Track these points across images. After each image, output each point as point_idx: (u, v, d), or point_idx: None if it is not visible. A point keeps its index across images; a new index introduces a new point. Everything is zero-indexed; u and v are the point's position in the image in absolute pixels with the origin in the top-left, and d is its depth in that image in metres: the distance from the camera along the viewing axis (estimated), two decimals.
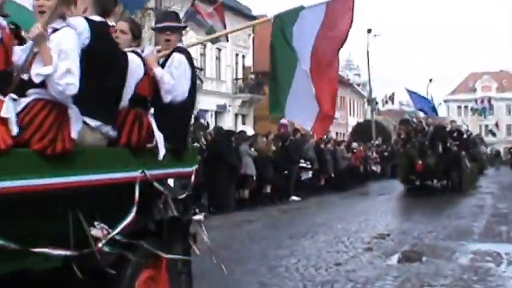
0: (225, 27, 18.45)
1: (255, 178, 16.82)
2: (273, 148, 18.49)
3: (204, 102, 34.44)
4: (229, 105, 38.59)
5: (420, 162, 19.70)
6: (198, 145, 15.91)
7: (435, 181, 22.09)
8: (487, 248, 9.73)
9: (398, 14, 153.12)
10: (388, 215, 14.74)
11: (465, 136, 31.40)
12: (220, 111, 37.67)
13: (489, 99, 34.74)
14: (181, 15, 20.49)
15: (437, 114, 26.35)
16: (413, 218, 13.59)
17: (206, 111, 35.41)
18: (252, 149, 17.08)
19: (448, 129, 22.93)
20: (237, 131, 19.60)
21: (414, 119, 24.28)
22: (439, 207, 16.11)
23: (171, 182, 12.49)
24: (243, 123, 38.69)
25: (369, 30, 42.75)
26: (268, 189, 17.74)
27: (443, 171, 20.62)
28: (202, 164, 15.60)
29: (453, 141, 21.60)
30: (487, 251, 9.56)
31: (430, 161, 19.82)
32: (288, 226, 12.57)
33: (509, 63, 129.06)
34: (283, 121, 23.38)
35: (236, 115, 39.57)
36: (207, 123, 26.75)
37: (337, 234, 11.23)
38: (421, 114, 24.09)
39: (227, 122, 35.58)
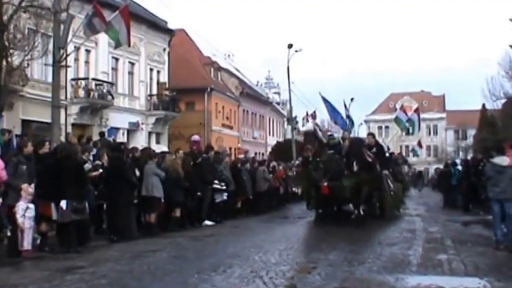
0: (129, 31, 17.10)
1: (163, 201, 15.18)
2: (182, 168, 16.81)
3: (115, 119, 34.03)
4: (143, 123, 37.33)
5: (325, 184, 16.59)
6: (100, 163, 14.39)
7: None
8: (429, 282, 8.55)
9: (324, 29, 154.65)
10: (311, 243, 13.40)
11: (387, 154, 30.88)
12: (132, 129, 36.33)
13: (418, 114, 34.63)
14: (82, 16, 19.35)
15: (352, 127, 24.42)
16: (340, 245, 12.21)
17: (117, 128, 34.48)
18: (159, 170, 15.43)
19: (366, 143, 19.99)
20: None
21: (323, 133, 22.95)
22: (367, 232, 14.97)
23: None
24: (157, 142, 37.75)
25: (290, 46, 41.79)
26: (178, 213, 16.08)
27: (359, 193, 17.13)
28: (103, 184, 14.06)
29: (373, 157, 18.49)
30: (429, 286, 8.36)
31: (346, 182, 16.67)
32: (197, 257, 10.99)
33: (430, 84, 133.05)
34: (195, 138, 21.86)
35: (150, 133, 38.33)
36: (113, 140, 24.99)
37: (255, 267, 9.74)
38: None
39: (140, 141, 34.16)
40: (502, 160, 11.99)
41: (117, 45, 17.82)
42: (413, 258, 10.69)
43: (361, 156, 17.12)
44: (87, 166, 13.51)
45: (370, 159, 17.40)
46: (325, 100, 22.12)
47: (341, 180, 16.65)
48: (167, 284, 8.60)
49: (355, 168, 16.87)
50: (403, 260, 10.54)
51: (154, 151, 17.11)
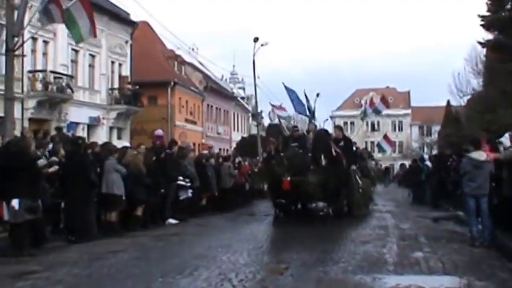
0: (92, 21, 16.33)
1: (124, 198, 14.55)
2: (145, 164, 16.17)
3: (75, 114, 33.07)
4: (104, 118, 36.36)
5: (288, 178, 15.75)
6: (56, 159, 13.70)
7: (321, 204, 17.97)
8: (408, 283, 8.14)
9: (290, 23, 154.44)
10: (281, 242, 12.92)
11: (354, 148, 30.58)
12: (93, 124, 35.43)
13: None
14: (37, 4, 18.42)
15: (313, 118, 22.97)
16: (311, 244, 11.75)
17: (77, 123, 33.54)
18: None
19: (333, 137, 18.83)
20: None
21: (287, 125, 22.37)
22: (338, 230, 14.51)
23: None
24: (119, 137, 36.63)
25: (256, 39, 41.12)
26: (140, 212, 15.45)
27: (326, 190, 16.02)
28: (60, 181, 13.38)
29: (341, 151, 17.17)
30: (408, 286, 7.98)
31: (312, 177, 15.80)
32: (161, 259, 10.41)
33: (395, 81, 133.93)
34: (159, 132, 21.20)
35: (111, 128, 37.34)
36: (72, 135, 24.14)
37: (223, 268, 9.22)
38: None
39: (101, 136, 33.13)
40: (479, 155, 11.68)
41: (78, 40, 17.02)
42: (389, 257, 10.29)
43: (328, 150, 16.04)
44: (42, 162, 12.74)
45: (337, 153, 16.34)
46: (288, 90, 21.29)
47: (306, 175, 15.80)
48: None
49: (323, 162, 15.87)
50: (379, 258, 10.13)
51: (115, 146, 16.42)
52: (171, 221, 16.91)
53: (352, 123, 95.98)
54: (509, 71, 26.10)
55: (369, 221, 16.83)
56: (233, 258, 10.24)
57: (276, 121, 31.56)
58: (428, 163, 25.97)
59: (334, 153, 16.04)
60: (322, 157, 15.91)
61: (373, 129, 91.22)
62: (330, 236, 13.24)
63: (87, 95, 35.42)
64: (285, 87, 20.89)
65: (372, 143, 73.35)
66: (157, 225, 16.05)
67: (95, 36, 18.13)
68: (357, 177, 18.00)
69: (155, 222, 16.31)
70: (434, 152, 51.15)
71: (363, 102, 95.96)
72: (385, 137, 48.01)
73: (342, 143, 17.44)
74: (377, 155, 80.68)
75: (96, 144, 16.05)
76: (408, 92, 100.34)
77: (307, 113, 21.89)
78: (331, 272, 8.96)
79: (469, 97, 41.60)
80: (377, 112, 24.57)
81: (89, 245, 12.03)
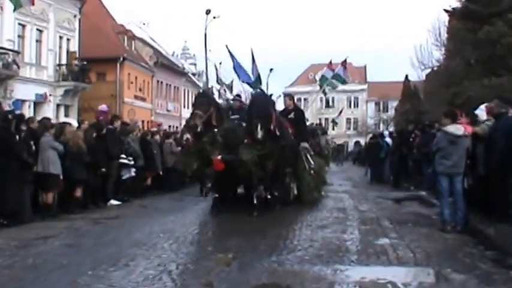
0: None
1: (61, 178, 13.50)
2: (85, 141, 14.97)
3: (21, 91, 32.69)
4: (51, 95, 36.18)
5: (219, 157, 12.97)
6: None
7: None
8: (375, 276, 7.27)
9: None
10: (229, 227, 11.71)
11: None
12: (39, 102, 35.14)
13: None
14: None
15: (259, 83, 18.82)
16: (263, 229, 10.76)
17: (23, 101, 33.21)
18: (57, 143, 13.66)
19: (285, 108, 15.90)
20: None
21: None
22: (292, 212, 13.50)
23: None
24: (66, 115, 36.50)
25: (208, 11, 39.69)
26: (79, 193, 14.29)
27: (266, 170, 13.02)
28: None
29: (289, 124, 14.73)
30: (375, 280, 7.07)
31: (244, 153, 12.68)
32: (95, 246, 9.31)
33: (351, 56, 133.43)
34: (103, 107, 19.77)
35: (58, 106, 37.12)
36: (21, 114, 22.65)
37: (163, 258, 8.19)
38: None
39: (48, 114, 32.07)
40: (456, 129, 10.79)
41: (16, 6, 15.81)
42: (351, 244, 9.38)
43: (266, 120, 12.70)
44: None
45: (280, 125, 13.38)
46: (232, 56, 18.68)
47: (246, 152, 12.77)
48: (52, 284, 7.01)
49: (259, 135, 12.41)
50: (340, 246, 9.20)
51: (51, 121, 15.12)
52: (113, 202, 15.95)
53: (305, 99, 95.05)
54: (475, 40, 25.51)
55: (324, 203, 15.84)
56: (175, 246, 9.24)
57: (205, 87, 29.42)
58: (388, 140, 25.26)
59: (274, 123, 12.88)
60: (259, 128, 12.36)
61: (327, 105, 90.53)
62: (282, 220, 12.29)
63: (34, 72, 35.10)
64: (229, 51, 18.38)
65: (326, 119, 72.53)
66: (98, 207, 15.15)
67: (33, 4, 17.36)
68: (308, 157, 15.28)
69: (96, 203, 15.42)
70: (391, 128, 50.67)
71: (317, 77, 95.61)
72: (341, 113, 47.39)
73: (292, 115, 15.25)
74: (331, 131, 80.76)
75: (33, 120, 14.74)
76: (364, 67, 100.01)
77: (252, 79, 18.93)
78: (286, 262, 8.01)
79: (429, 70, 41.13)
80: (340, 80, 21.61)
81: (20, 229, 11.11)
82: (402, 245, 9.33)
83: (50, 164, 13.24)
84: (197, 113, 13.28)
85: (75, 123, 16.68)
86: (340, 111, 47.80)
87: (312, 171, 15.27)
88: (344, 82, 18.02)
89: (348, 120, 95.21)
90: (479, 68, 27.24)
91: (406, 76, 60.22)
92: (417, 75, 45.87)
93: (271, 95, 15.29)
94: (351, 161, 57.54)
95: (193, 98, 15.28)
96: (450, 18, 32.65)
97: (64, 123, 15.90)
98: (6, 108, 24.64)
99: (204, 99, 14.05)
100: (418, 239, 9.95)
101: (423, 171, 18.41)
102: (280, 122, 13.63)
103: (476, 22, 25.82)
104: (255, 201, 13.11)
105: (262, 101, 13.44)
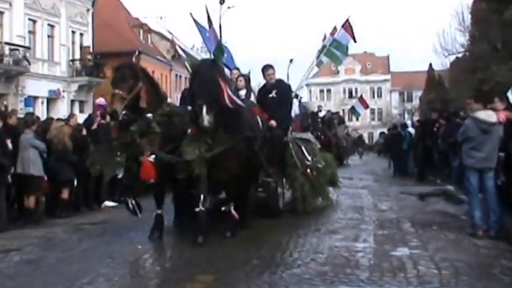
0: None
1: (46, 179, 12.06)
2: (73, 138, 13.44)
3: (33, 88, 31.82)
4: (64, 91, 35.37)
5: (151, 158, 8.76)
6: None
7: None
8: None
9: None
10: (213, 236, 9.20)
11: (320, 114, 27.51)
12: (52, 98, 34.29)
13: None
14: None
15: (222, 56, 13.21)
16: (258, 237, 8.91)
17: (35, 97, 32.43)
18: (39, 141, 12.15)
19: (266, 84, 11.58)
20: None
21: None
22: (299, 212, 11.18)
23: None
24: (81, 110, 34.95)
25: (222, 1, 38.22)
26: (66, 195, 12.77)
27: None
28: None
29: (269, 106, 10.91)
30: None
31: (187, 151, 8.65)
32: (57, 262, 7.74)
33: (373, 46, 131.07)
34: (100, 101, 18.06)
35: (72, 102, 36.26)
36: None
37: (127, 282, 6.58)
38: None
39: (61, 110, 31.79)
40: (488, 115, 8.98)
41: None
42: (362, 256, 7.66)
43: (216, 97, 8.52)
44: None
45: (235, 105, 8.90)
46: (198, 25, 13.64)
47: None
48: None
49: (205, 121, 8.26)
50: (349, 259, 7.49)
51: (33, 117, 13.61)
52: (108, 203, 14.29)
53: (328, 90, 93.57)
54: (501, 22, 23.68)
55: (340, 200, 14.13)
56: (150, 262, 7.59)
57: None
58: (410, 129, 23.43)
59: (228, 102, 8.64)
60: (204, 111, 8.26)
61: (350, 96, 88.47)
62: (285, 223, 10.42)
63: (46, 67, 34.28)
64: (194, 20, 13.48)
65: (351, 109, 70.63)
66: (92, 210, 13.58)
67: None
68: (304, 150, 11.78)
69: (89, 205, 13.88)
70: (416, 118, 48.66)
71: (339, 68, 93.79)
72: (360, 98, 45.14)
73: (274, 93, 11.03)
74: (355, 123, 78.80)
75: (11, 115, 13.21)
76: (387, 57, 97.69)
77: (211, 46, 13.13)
78: (280, 283, 6.38)
79: (454, 57, 39.18)
80: (342, 50, 14.63)
81: None
82: (425, 256, 7.61)
83: (30, 165, 11.66)
84: (116, 94, 8.89)
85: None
86: (361, 99, 45.39)
87: (310, 170, 11.42)
88: (346, 52, 13.41)
89: (372, 110, 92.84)
90: (506, 51, 25.56)
91: (430, 65, 58.05)
92: (441, 63, 44.13)
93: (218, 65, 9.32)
94: (376, 153, 55.48)
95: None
96: (474, 1, 30.75)
97: (50, 118, 14.38)
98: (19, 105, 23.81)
99: (126, 71, 9.07)
100: (444, 247, 8.22)
101: (450, 163, 16.70)
102: (235, 101, 8.87)
103: (501, 2, 23.91)
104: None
105: (207, 72, 8.68)
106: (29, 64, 30.88)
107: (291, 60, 36.25)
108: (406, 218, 11.08)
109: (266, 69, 11.48)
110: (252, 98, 11.69)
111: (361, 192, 16.46)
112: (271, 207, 10.92)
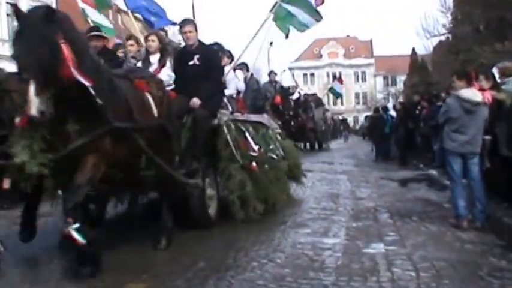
0: None
1: None
2: None
3: None
4: None
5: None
6: None
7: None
8: None
9: None
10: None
11: (296, 95, 25.90)
12: None
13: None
14: None
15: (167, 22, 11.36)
16: (207, 232, 7.60)
17: None
18: None
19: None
20: None
21: None
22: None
23: None
24: None
25: None
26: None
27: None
28: None
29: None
30: None
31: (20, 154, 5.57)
32: None
33: (356, 30, 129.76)
34: None
35: None
36: None
37: None
38: None
39: None
40: (473, 94, 7.82)
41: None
42: (330, 256, 6.49)
43: (55, 69, 5.18)
44: None
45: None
46: None
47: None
48: None
49: (34, 107, 5.02)
50: (313, 260, 6.31)
51: None
52: None
53: (312, 74, 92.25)
54: (484, 2, 22.65)
55: (315, 187, 13.01)
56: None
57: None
58: (392, 113, 22.35)
59: (77, 76, 5.34)
60: (32, 92, 5.05)
61: (334, 80, 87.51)
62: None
63: (7, 48, 31.40)
64: None
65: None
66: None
67: None
68: (248, 137, 8.85)
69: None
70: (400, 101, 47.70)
71: (322, 52, 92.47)
72: (339, 78, 43.60)
73: (196, 59, 8.18)
74: (340, 107, 77.81)
75: None
76: (370, 41, 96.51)
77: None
78: None
79: (437, 40, 38.12)
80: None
81: None
82: (402, 255, 6.47)
83: None
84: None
85: None
86: (339, 78, 44.01)
87: (255, 164, 8.53)
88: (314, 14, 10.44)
89: (357, 95, 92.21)
90: (489, 32, 24.55)
91: (413, 49, 57.03)
92: (424, 48, 43.13)
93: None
94: (360, 136, 54.49)
95: None
96: None
97: None
98: None
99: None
100: (424, 243, 7.09)
101: (432, 147, 15.68)
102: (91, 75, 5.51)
103: None
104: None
105: (37, 27, 5.15)
106: None
107: (270, 43, 34.72)
108: (384, 207, 9.95)
109: (183, 25, 8.35)
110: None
111: (340, 177, 15.33)
112: (196, 216, 7.69)
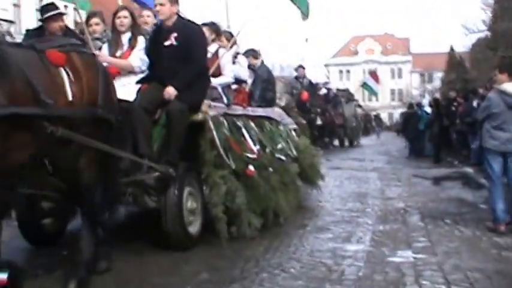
0: None
1: None
2: None
3: None
4: None
5: None
6: None
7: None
8: None
9: None
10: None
11: (324, 90, 24.58)
12: None
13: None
14: None
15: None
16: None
17: None
18: None
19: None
20: None
21: None
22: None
23: None
24: None
25: None
26: None
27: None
28: None
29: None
30: None
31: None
32: None
33: (394, 27, 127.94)
34: None
35: None
36: None
37: None
38: None
39: None
40: None
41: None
42: (350, 265, 5.74)
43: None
44: None
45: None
46: None
47: None
48: None
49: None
50: (331, 270, 5.56)
51: None
52: None
53: (348, 71, 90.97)
54: None
55: (343, 186, 12.21)
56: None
57: None
58: (427, 109, 21.40)
59: None
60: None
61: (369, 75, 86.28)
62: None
63: None
64: None
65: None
66: None
67: None
68: (244, 133, 7.33)
69: None
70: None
71: (359, 49, 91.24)
72: (372, 73, 41.72)
73: (173, 39, 6.35)
74: (375, 103, 76.50)
75: None
76: (407, 39, 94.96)
77: None
78: None
79: (476, 37, 37.02)
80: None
81: None
82: (432, 264, 5.69)
83: None
84: None
85: None
86: (374, 74, 42.04)
87: (252, 168, 6.91)
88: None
89: (392, 91, 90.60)
90: None
91: (451, 47, 55.74)
92: (462, 45, 41.97)
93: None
94: (394, 132, 53.40)
95: None
96: None
97: None
98: None
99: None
100: (457, 250, 6.30)
101: (468, 144, 14.82)
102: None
103: None
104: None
105: None
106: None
107: (306, 40, 33.94)
108: (415, 208, 9.16)
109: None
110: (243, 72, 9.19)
111: (370, 175, 14.48)
112: (172, 236, 6.04)
